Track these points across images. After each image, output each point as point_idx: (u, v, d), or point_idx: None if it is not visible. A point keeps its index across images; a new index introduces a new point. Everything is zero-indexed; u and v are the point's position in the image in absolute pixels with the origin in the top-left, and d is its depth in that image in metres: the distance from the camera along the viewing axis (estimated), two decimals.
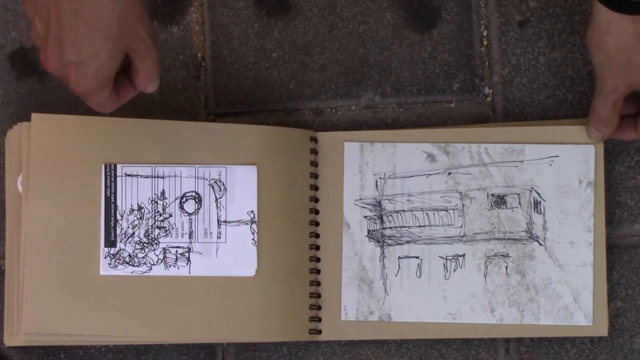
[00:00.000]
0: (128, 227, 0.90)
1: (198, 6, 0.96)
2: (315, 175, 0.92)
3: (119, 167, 0.90)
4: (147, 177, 0.90)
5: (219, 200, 0.90)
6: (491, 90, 0.95)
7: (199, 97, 0.95)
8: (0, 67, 0.96)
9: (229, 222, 0.90)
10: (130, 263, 0.90)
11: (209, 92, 0.95)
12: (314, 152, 0.93)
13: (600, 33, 0.82)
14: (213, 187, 0.90)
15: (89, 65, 0.75)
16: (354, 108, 0.95)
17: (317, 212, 0.92)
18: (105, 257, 0.90)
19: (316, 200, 0.92)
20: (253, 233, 0.90)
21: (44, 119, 0.90)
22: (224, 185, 0.90)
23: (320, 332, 0.91)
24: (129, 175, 0.90)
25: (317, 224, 0.92)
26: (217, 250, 0.90)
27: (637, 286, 0.93)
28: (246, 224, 0.91)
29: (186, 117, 0.95)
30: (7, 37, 0.96)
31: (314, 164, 0.93)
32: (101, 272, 0.89)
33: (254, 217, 0.91)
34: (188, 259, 0.90)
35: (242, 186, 0.90)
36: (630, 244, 0.93)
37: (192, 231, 0.90)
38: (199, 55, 0.96)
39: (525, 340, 0.92)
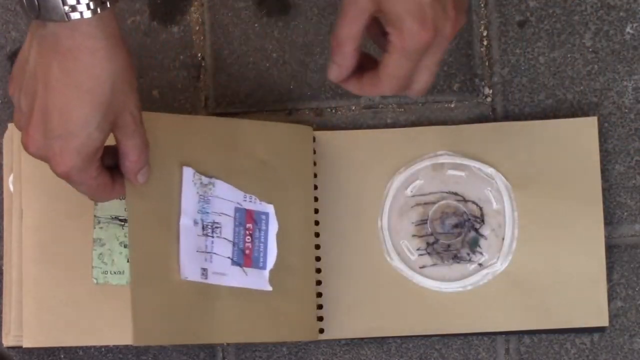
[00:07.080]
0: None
1: (198, 6, 0.96)
2: (314, 175, 0.92)
3: None
4: None
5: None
6: (491, 90, 0.95)
7: (199, 97, 0.95)
8: (0, 67, 0.96)
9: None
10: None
11: (209, 92, 0.95)
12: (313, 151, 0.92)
13: None
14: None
15: (75, 137, 0.68)
16: (354, 108, 0.95)
17: (316, 211, 0.92)
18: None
19: (315, 199, 0.92)
20: None
21: None
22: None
23: (322, 331, 0.91)
24: None
25: (316, 223, 0.92)
26: None
27: (637, 286, 0.93)
28: None
29: None
30: (7, 37, 0.96)
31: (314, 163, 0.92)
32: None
33: None
34: None
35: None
36: (630, 244, 0.93)
37: None
38: (199, 55, 0.96)
39: (525, 340, 0.92)
